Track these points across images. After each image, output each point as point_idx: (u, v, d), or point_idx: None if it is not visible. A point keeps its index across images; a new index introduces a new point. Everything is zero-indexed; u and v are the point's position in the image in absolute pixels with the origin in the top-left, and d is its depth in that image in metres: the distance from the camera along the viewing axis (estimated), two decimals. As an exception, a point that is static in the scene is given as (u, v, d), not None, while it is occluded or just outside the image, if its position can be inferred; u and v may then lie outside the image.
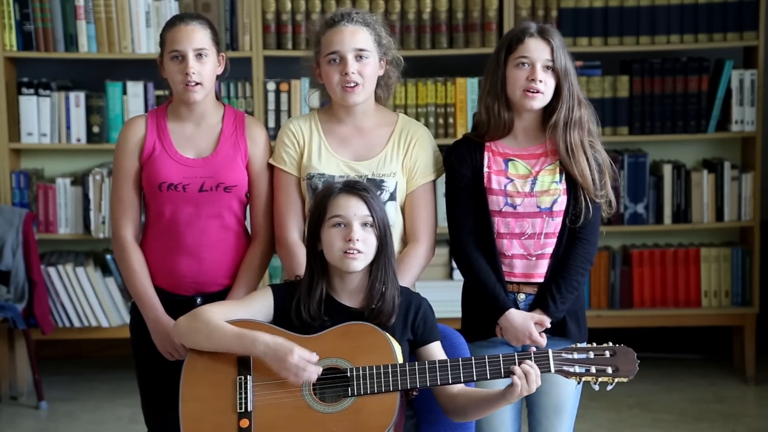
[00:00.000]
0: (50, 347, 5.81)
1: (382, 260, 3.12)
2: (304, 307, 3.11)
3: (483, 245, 3.46)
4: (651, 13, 5.51)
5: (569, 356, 3.04)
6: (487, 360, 3.04)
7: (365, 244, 3.09)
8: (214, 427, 3.04)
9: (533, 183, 3.44)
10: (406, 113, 5.33)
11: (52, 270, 5.47)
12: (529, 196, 3.43)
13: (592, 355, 3.05)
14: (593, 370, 3.04)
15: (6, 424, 5.25)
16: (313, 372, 3.01)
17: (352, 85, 3.43)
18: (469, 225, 3.47)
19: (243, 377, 3.06)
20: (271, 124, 5.49)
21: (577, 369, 3.04)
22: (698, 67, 5.56)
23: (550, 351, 3.04)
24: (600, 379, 3.05)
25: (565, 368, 3.04)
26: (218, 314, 3.10)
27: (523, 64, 3.40)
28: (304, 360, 3.00)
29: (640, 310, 5.65)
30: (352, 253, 3.08)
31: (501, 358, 3.03)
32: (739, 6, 5.50)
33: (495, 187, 3.45)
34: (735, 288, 5.66)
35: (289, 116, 5.45)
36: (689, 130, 5.58)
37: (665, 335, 5.99)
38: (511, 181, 3.44)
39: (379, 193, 3.42)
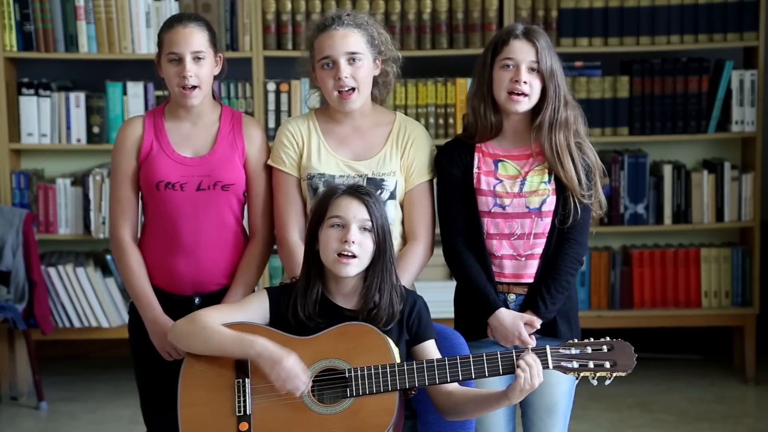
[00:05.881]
0: (50, 347, 5.81)
1: (379, 267, 3.11)
2: (300, 307, 3.12)
3: (473, 246, 3.46)
4: (651, 14, 5.51)
5: (567, 352, 3.04)
6: (485, 358, 3.04)
7: (361, 248, 3.09)
8: (214, 431, 3.04)
9: (522, 183, 3.44)
10: (406, 113, 5.33)
11: (52, 270, 5.47)
12: (517, 196, 3.43)
13: (589, 350, 3.05)
14: (591, 365, 3.04)
15: (6, 425, 5.26)
16: (303, 382, 3.00)
17: (347, 89, 3.43)
18: (459, 225, 3.47)
19: (241, 380, 3.06)
20: (271, 124, 5.49)
21: (575, 364, 3.04)
22: (698, 68, 5.56)
23: (547, 347, 3.05)
24: (598, 374, 3.05)
25: (563, 364, 3.04)
26: (215, 318, 3.10)
27: (508, 65, 3.40)
28: (296, 370, 2.99)
29: (640, 311, 5.65)
30: (346, 257, 3.08)
31: (499, 355, 3.03)
32: (739, 6, 5.50)
33: (484, 187, 3.45)
34: (735, 288, 5.66)
35: (290, 116, 5.45)
36: (689, 131, 5.58)
37: (665, 335, 5.99)
38: (500, 181, 3.45)
39: (379, 192, 3.43)
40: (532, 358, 3.00)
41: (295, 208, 3.52)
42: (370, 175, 3.47)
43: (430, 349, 3.16)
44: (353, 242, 3.08)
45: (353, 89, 3.44)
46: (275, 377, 3.01)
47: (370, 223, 3.10)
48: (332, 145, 3.52)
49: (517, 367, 2.99)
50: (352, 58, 3.44)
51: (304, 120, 3.57)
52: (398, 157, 3.50)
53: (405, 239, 3.53)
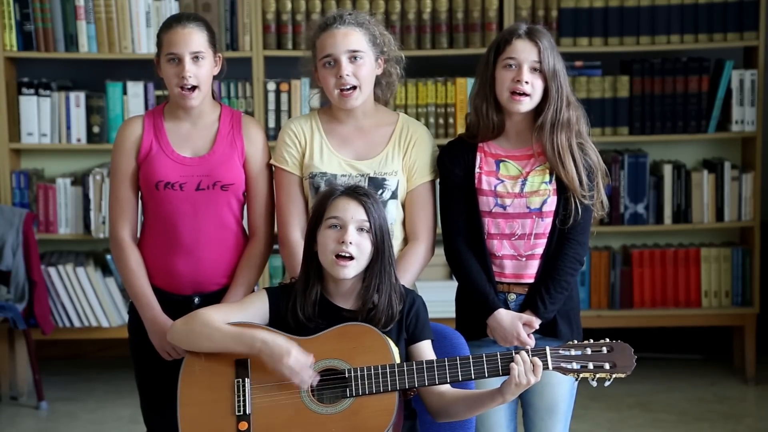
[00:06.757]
0: (50, 347, 5.81)
1: (377, 268, 3.11)
2: (299, 307, 3.12)
3: (474, 246, 3.46)
4: (651, 13, 5.51)
5: (566, 353, 3.04)
6: (485, 358, 3.03)
7: (359, 249, 3.08)
8: (213, 431, 3.04)
9: (523, 184, 3.44)
10: (406, 113, 5.33)
11: (52, 270, 5.47)
12: (518, 196, 3.43)
13: (589, 351, 3.05)
14: (591, 366, 3.04)
15: (6, 424, 5.26)
16: (307, 376, 3.00)
17: (348, 87, 3.43)
18: (461, 225, 3.47)
19: (241, 380, 3.06)
20: (271, 124, 5.49)
21: (575, 365, 3.03)
22: (698, 67, 5.56)
23: (547, 348, 3.04)
24: (598, 376, 3.04)
25: (563, 365, 3.03)
26: (215, 317, 3.10)
27: (511, 65, 3.40)
28: (300, 363, 3.00)
29: (640, 310, 5.65)
30: (344, 258, 3.07)
31: (499, 356, 3.03)
32: (739, 6, 5.50)
33: (485, 187, 3.45)
34: (735, 288, 5.66)
35: (290, 116, 5.46)
36: (689, 130, 5.58)
37: (665, 335, 5.99)
38: (501, 182, 3.44)
39: (381, 191, 3.43)
40: (528, 356, 3.00)
41: (297, 206, 3.52)
42: (371, 175, 3.48)
43: (425, 350, 3.15)
44: (350, 243, 3.07)
45: (354, 87, 3.45)
46: (279, 375, 3.01)
47: (367, 224, 3.10)
48: (334, 144, 3.52)
49: (512, 361, 2.99)
50: (353, 56, 3.44)
51: (306, 119, 3.57)
52: (400, 157, 3.50)
53: (406, 241, 3.53)
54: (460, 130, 5.39)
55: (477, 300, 3.45)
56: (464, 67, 5.50)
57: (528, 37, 3.41)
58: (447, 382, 3.05)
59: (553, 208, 3.44)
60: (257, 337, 3.04)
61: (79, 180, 5.56)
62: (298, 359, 3.00)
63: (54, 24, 5.45)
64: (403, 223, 3.54)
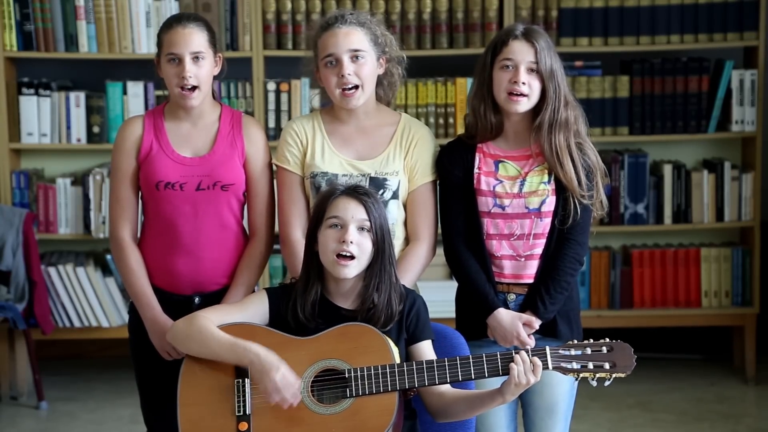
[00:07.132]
0: (50, 347, 5.81)
1: (377, 267, 3.11)
2: (299, 307, 3.12)
3: (473, 246, 3.46)
4: (651, 13, 5.51)
5: (566, 353, 3.04)
6: (484, 358, 3.03)
7: (359, 248, 3.08)
8: (214, 431, 3.03)
9: (522, 184, 3.44)
10: (405, 113, 5.34)
11: (52, 270, 5.47)
12: (517, 197, 3.43)
13: (589, 351, 3.05)
14: (591, 366, 3.04)
15: (6, 424, 5.26)
16: (290, 395, 2.99)
17: (350, 87, 3.43)
18: (460, 226, 3.47)
19: (241, 380, 3.05)
20: (272, 124, 5.50)
21: (575, 365, 3.03)
22: (698, 67, 5.57)
23: (547, 348, 3.04)
24: (598, 375, 3.05)
25: (563, 365, 3.03)
26: (214, 319, 3.10)
27: (508, 66, 3.40)
28: (285, 381, 2.99)
29: (640, 310, 5.65)
30: (345, 257, 3.07)
31: (499, 356, 3.03)
32: (740, 6, 5.50)
33: (484, 188, 3.45)
34: (735, 288, 5.66)
35: (290, 116, 5.47)
36: (689, 130, 5.59)
37: (665, 335, 5.99)
38: (500, 182, 3.45)
39: (382, 191, 3.44)
40: (528, 356, 3.00)
41: (298, 206, 3.53)
42: (372, 175, 3.48)
43: (425, 350, 3.15)
44: (351, 242, 3.07)
45: (356, 87, 3.45)
46: (263, 388, 3.01)
47: (368, 223, 3.10)
48: (336, 144, 3.52)
49: (512, 361, 3.00)
50: (355, 56, 3.44)
51: (309, 119, 3.58)
52: (401, 158, 3.51)
53: (408, 241, 3.54)
54: (460, 130, 5.40)
55: (477, 300, 3.46)
56: (464, 67, 5.50)
57: (524, 38, 3.41)
58: (447, 382, 3.05)
59: (552, 208, 3.44)
60: (250, 349, 3.03)
61: (79, 180, 5.56)
62: (286, 377, 2.99)
63: (54, 24, 5.45)
64: (405, 224, 3.54)
